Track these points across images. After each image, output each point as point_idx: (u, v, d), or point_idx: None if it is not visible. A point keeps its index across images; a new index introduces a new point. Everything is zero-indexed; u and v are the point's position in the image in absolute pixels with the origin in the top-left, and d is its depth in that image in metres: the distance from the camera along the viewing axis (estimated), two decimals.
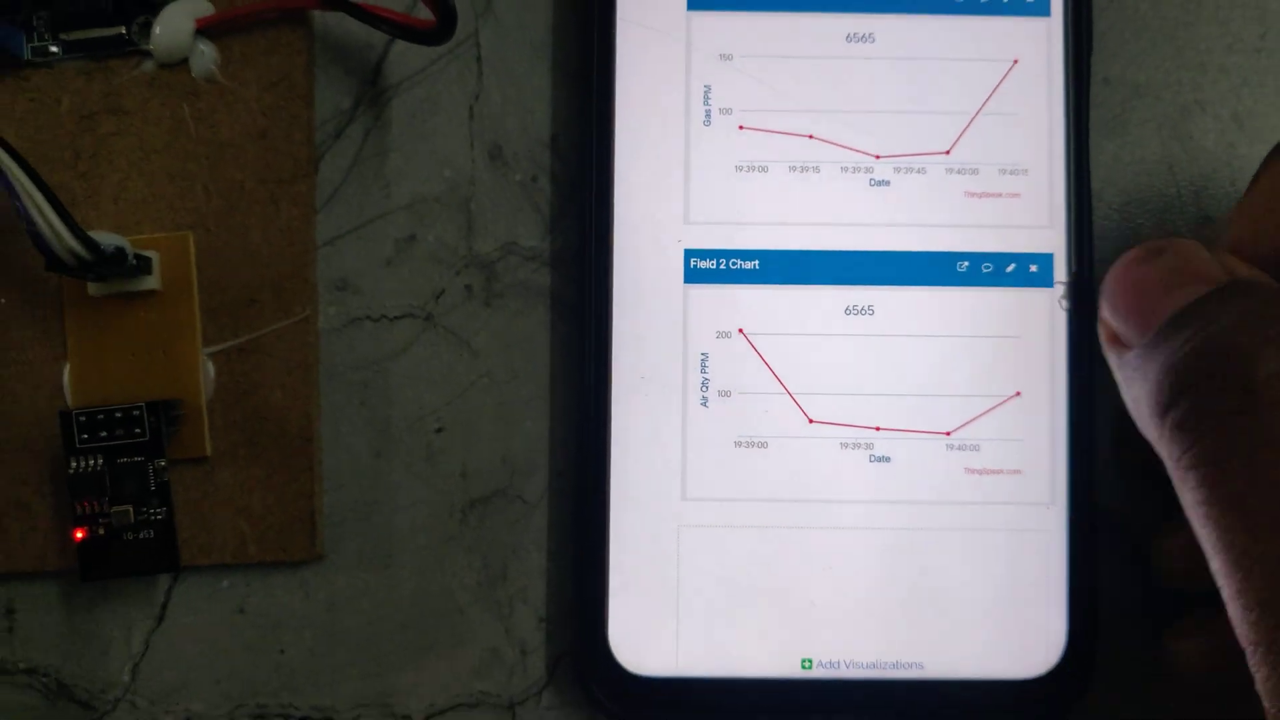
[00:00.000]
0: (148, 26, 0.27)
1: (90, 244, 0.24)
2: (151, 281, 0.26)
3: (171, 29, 0.27)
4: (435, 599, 0.27)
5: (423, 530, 0.27)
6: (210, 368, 0.27)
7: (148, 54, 0.27)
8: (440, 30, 0.24)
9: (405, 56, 0.28)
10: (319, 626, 0.27)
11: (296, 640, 0.27)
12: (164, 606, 0.27)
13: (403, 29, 0.25)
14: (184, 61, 0.27)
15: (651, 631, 0.25)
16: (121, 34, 0.27)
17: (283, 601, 0.27)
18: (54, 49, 0.27)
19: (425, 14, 0.25)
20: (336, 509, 0.27)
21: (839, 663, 0.25)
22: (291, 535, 0.27)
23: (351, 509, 0.27)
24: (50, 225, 0.24)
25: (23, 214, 0.24)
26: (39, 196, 0.24)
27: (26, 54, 0.27)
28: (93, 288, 0.26)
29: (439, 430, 0.27)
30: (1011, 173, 0.26)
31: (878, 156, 0.26)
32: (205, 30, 0.27)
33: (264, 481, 0.27)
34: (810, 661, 0.25)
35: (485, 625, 0.27)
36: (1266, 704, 0.17)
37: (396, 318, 0.27)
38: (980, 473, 0.26)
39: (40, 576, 0.27)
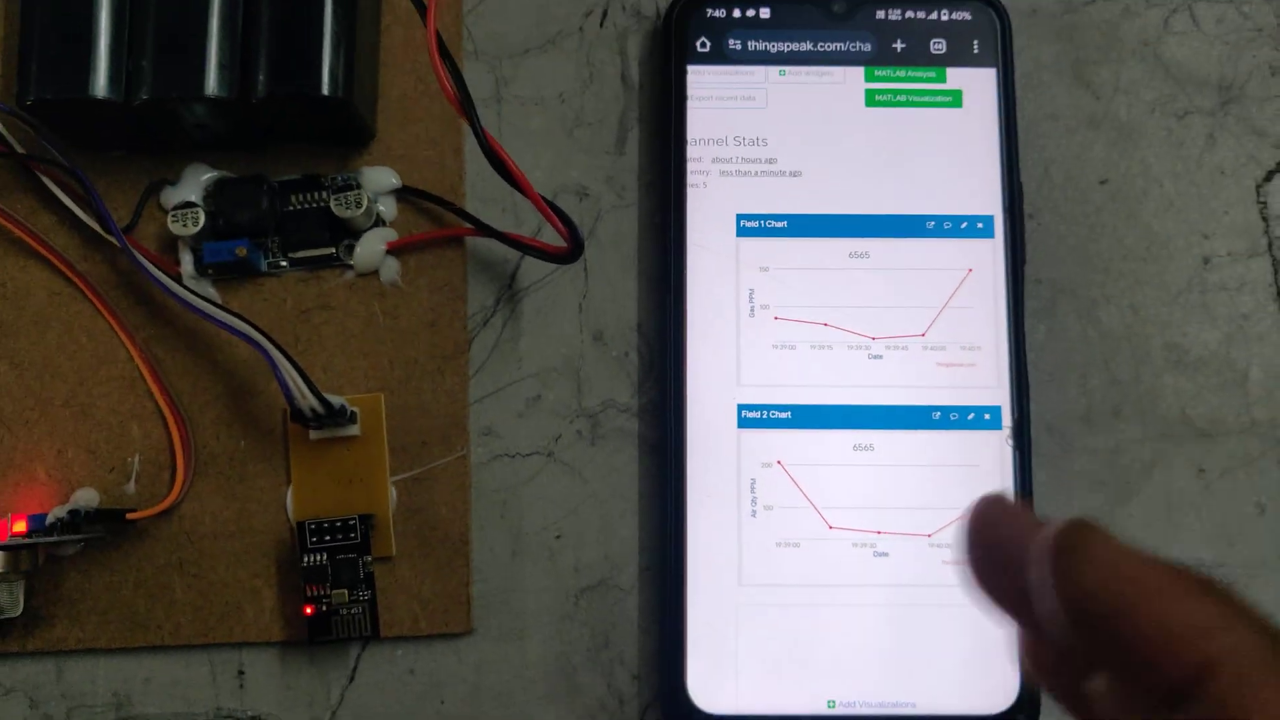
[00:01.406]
0: (351, 248, 0.38)
1: (325, 403, 0.35)
2: (354, 429, 0.37)
3: (369, 250, 0.38)
4: (555, 662, 0.37)
5: (546, 610, 0.37)
6: (394, 492, 0.37)
7: (349, 267, 0.38)
8: (572, 253, 0.35)
9: (532, 269, 0.39)
10: (469, 684, 0.37)
11: (452, 694, 0.37)
12: (354, 669, 0.37)
13: (543, 253, 0.36)
14: (375, 272, 0.38)
15: (719, 681, 0.35)
16: (332, 253, 0.38)
17: (443, 664, 0.37)
18: (283, 263, 0.38)
19: (557, 241, 0.36)
20: (483, 595, 0.37)
21: (854, 702, 0.35)
22: (451, 614, 0.37)
23: (494, 595, 0.37)
24: (300, 391, 0.35)
25: (281, 383, 0.34)
26: (293, 371, 0.34)
27: (264, 267, 0.38)
28: (313, 434, 0.37)
29: (558, 536, 0.38)
30: (969, 348, 0.37)
31: (873, 338, 0.37)
32: (392, 250, 0.38)
33: (431, 574, 0.37)
34: (834, 702, 0.35)
35: (593, 682, 0.37)
36: None
37: (527, 455, 0.38)
38: (952, 564, 0.36)
39: (265, 645, 0.37)
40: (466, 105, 0.32)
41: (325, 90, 0.35)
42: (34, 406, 0.37)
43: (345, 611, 0.35)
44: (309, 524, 0.35)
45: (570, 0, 0.40)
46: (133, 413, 0.37)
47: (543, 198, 0.33)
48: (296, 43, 0.35)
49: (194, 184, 0.38)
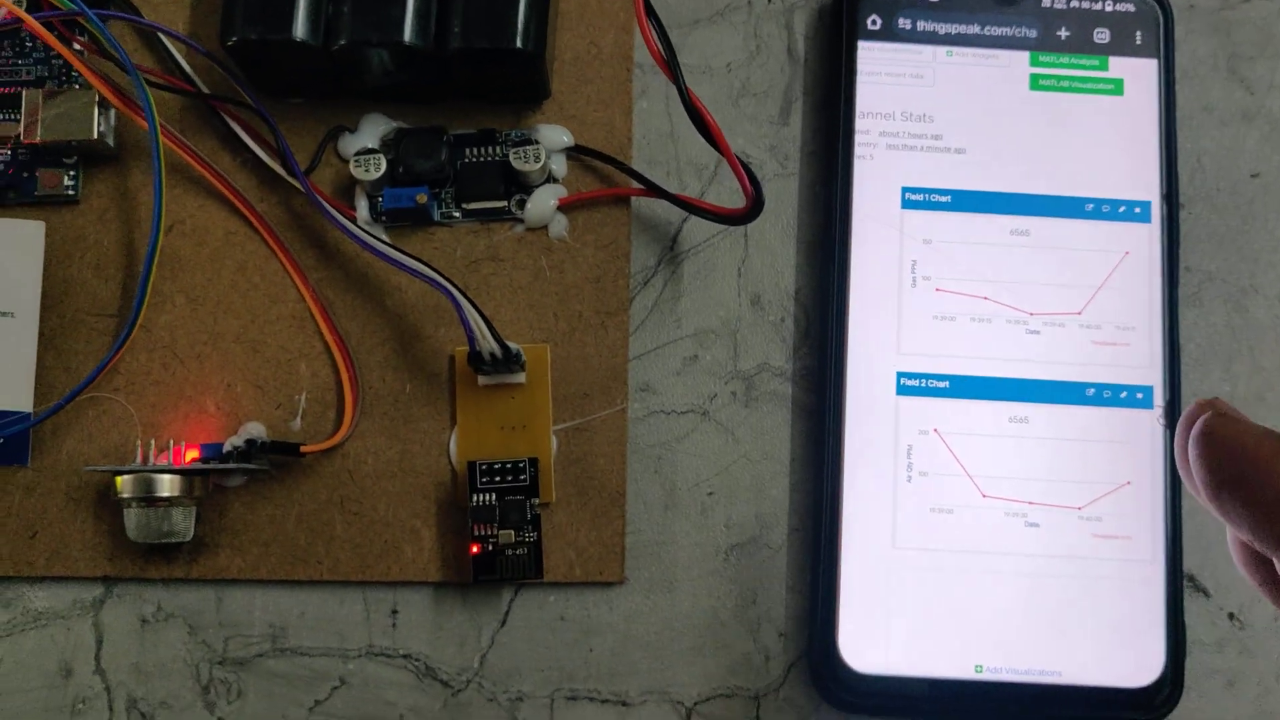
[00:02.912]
0: (523, 202, 0.39)
1: (505, 348, 0.36)
2: (521, 377, 0.38)
3: (540, 205, 0.39)
4: (704, 616, 0.38)
5: (696, 565, 0.38)
6: (554, 440, 0.38)
7: (520, 220, 0.39)
8: (750, 213, 0.36)
9: (693, 231, 0.40)
10: (619, 633, 0.38)
11: (601, 643, 0.38)
12: (506, 613, 0.38)
13: (717, 215, 0.37)
14: (544, 227, 0.39)
15: (870, 642, 0.36)
16: (504, 206, 0.39)
17: (593, 613, 0.38)
18: (456, 214, 0.39)
19: (723, 203, 0.37)
20: (635, 546, 0.38)
21: (1001, 669, 0.36)
22: (605, 563, 0.38)
23: (646, 547, 0.38)
24: (482, 333, 0.35)
25: (465, 325, 0.35)
26: (477, 315, 0.35)
27: (436, 217, 0.39)
28: (482, 380, 0.38)
29: (710, 494, 0.39)
30: (1124, 329, 0.38)
31: (1031, 314, 0.38)
32: (563, 206, 0.39)
33: (587, 523, 0.38)
34: (981, 667, 0.36)
35: (740, 637, 0.38)
36: None
37: (682, 412, 0.39)
38: (1102, 537, 0.37)
39: (420, 585, 0.38)
40: (672, 65, 0.33)
41: (519, 44, 0.36)
42: (206, 341, 0.38)
43: (510, 552, 0.36)
44: (479, 464, 0.36)
45: None
46: (301, 351, 0.38)
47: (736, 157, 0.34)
48: None
49: (372, 132, 0.39)
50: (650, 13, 0.33)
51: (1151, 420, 0.37)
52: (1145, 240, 0.38)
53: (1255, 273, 0.39)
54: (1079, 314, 0.37)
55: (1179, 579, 0.36)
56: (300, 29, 0.36)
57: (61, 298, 0.38)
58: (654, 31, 0.33)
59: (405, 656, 0.37)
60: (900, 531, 0.36)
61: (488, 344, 0.35)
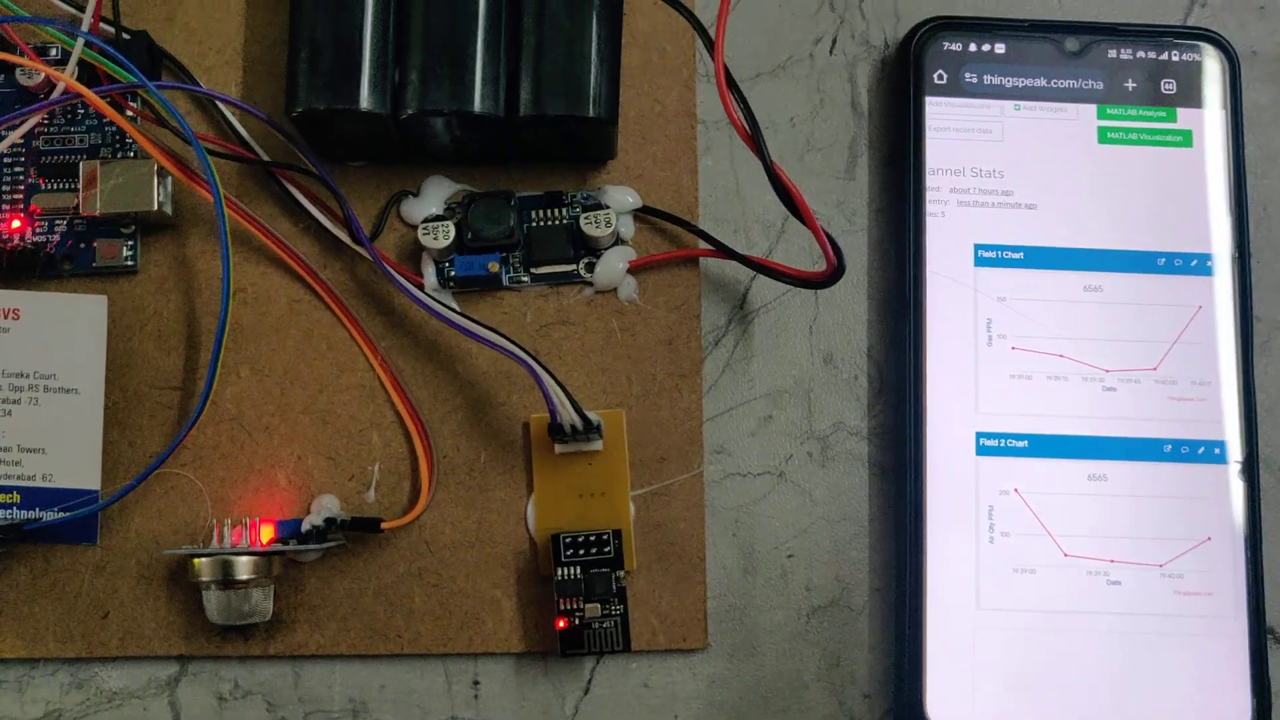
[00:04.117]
0: (592, 266, 0.39)
1: (585, 419, 0.36)
2: (598, 444, 0.38)
3: (609, 268, 0.39)
4: (788, 679, 0.38)
5: (778, 629, 0.38)
6: (633, 507, 0.38)
7: (588, 283, 0.39)
8: (832, 278, 0.36)
9: (762, 290, 0.40)
10: (703, 699, 0.38)
11: (686, 709, 0.38)
12: (589, 681, 0.38)
13: (797, 279, 0.37)
14: (614, 289, 0.39)
15: (957, 703, 0.36)
16: (574, 270, 0.39)
17: (677, 680, 0.38)
18: (524, 279, 0.39)
19: (789, 262, 0.37)
20: (716, 611, 0.38)
21: None
22: (688, 629, 0.38)
23: (727, 612, 0.38)
24: (564, 405, 0.35)
25: (546, 398, 0.35)
26: (557, 387, 0.35)
27: (505, 281, 0.39)
28: (558, 448, 0.37)
29: (790, 556, 0.38)
30: (1199, 383, 0.38)
31: (1107, 370, 0.38)
32: (631, 269, 0.39)
33: (669, 589, 0.38)
34: None
35: (824, 700, 0.38)
36: None
37: (758, 474, 0.39)
38: (1185, 594, 0.37)
39: (502, 656, 0.38)
40: (755, 135, 0.33)
41: (591, 111, 0.35)
42: (275, 412, 0.38)
43: (598, 625, 0.35)
44: (563, 537, 0.36)
45: (800, 27, 0.40)
46: (372, 421, 0.38)
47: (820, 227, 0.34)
48: (563, 62, 0.35)
49: (436, 197, 0.38)
50: (732, 85, 0.33)
51: (1229, 475, 0.37)
52: (1217, 293, 0.38)
53: None
54: (1154, 370, 0.37)
55: (1263, 633, 0.36)
56: (366, 99, 0.35)
57: (124, 371, 0.38)
58: (735, 103, 0.33)
59: None
60: (984, 592, 0.36)
61: (569, 415, 0.35)
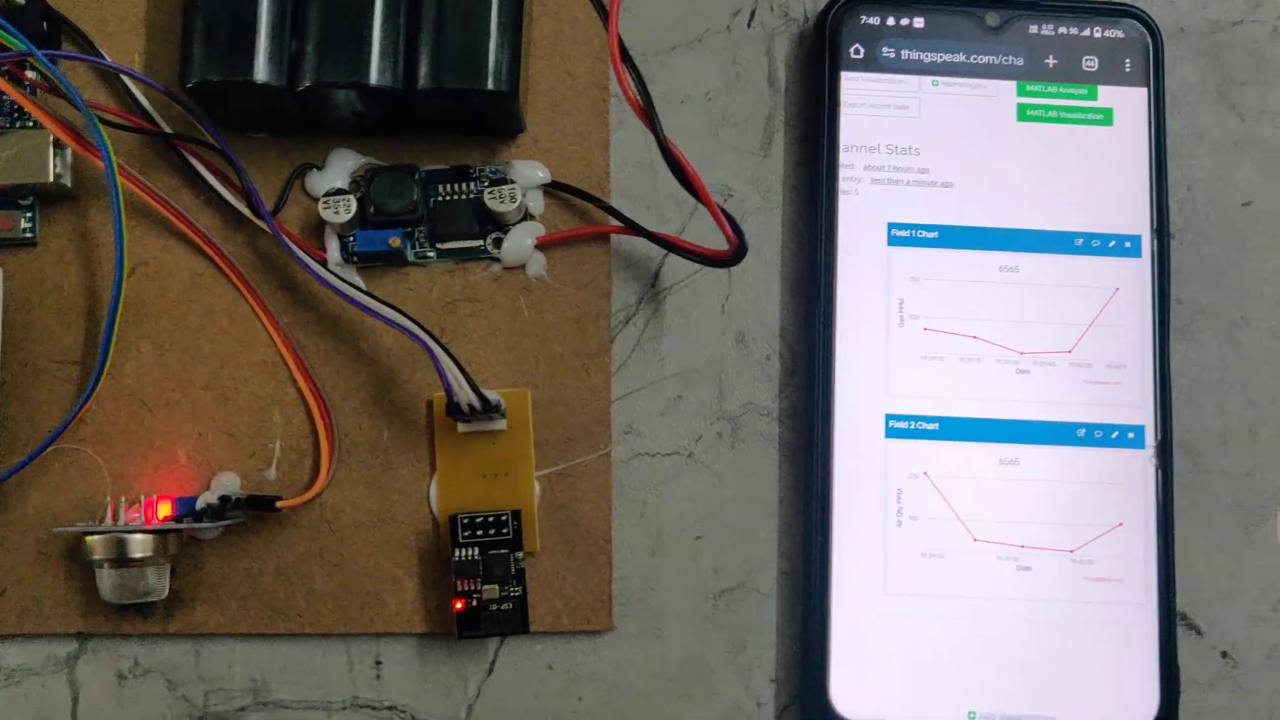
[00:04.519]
0: (499, 241, 0.38)
1: (483, 398, 0.35)
2: (502, 424, 0.37)
3: (517, 244, 0.38)
4: (694, 663, 0.37)
5: (685, 611, 0.38)
6: (538, 487, 0.37)
7: (497, 260, 0.38)
8: (734, 257, 0.35)
9: (675, 268, 0.39)
10: (608, 681, 0.37)
11: (591, 691, 0.37)
12: (493, 663, 0.37)
13: (701, 257, 0.36)
14: (522, 266, 0.38)
15: (862, 688, 0.36)
16: (481, 245, 0.38)
17: (581, 661, 0.37)
18: (430, 254, 0.38)
19: (706, 241, 0.36)
20: (622, 593, 0.38)
21: (994, 714, 0.36)
22: (593, 611, 0.37)
23: (634, 594, 0.38)
24: (460, 386, 0.35)
25: (442, 377, 0.34)
26: (454, 367, 0.34)
27: (410, 257, 0.38)
28: (461, 427, 0.37)
29: (698, 538, 0.38)
30: (1115, 367, 0.37)
31: (1021, 353, 0.37)
32: (540, 245, 0.38)
33: (573, 571, 0.37)
34: (974, 713, 0.36)
35: (730, 684, 0.37)
36: None
37: (667, 454, 0.38)
38: (1095, 580, 0.36)
39: (404, 636, 0.37)
40: (650, 111, 0.32)
41: (490, 85, 0.35)
42: (175, 388, 0.37)
43: (495, 607, 0.35)
44: (461, 518, 0.35)
45: None
46: (274, 398, 0.37)
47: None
48: (462, 35, 0.35)
49: (340, 170, 0.38)
50: (625, 57, 0.32)
51: (1143, 460, 0.36)
52: (1136, 275, 0.37)
53: (1246, 305, 0.38)
54: (1069, 353, 0.37)
55: (1172, 618, 0.36)
56: (262, 71, 0.34)
57: (21, 344, 0.37)
58: (630, 76, 0.32)
59: (391, 708, 0.37)
60: (891, 576, 0.36)
61: (466, 395, 0.34)
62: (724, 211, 0.34)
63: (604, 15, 0.33)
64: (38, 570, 0.36)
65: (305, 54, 0.35)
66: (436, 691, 0.37)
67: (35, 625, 0.36)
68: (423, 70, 0.35)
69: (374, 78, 0.35)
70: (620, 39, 0.32)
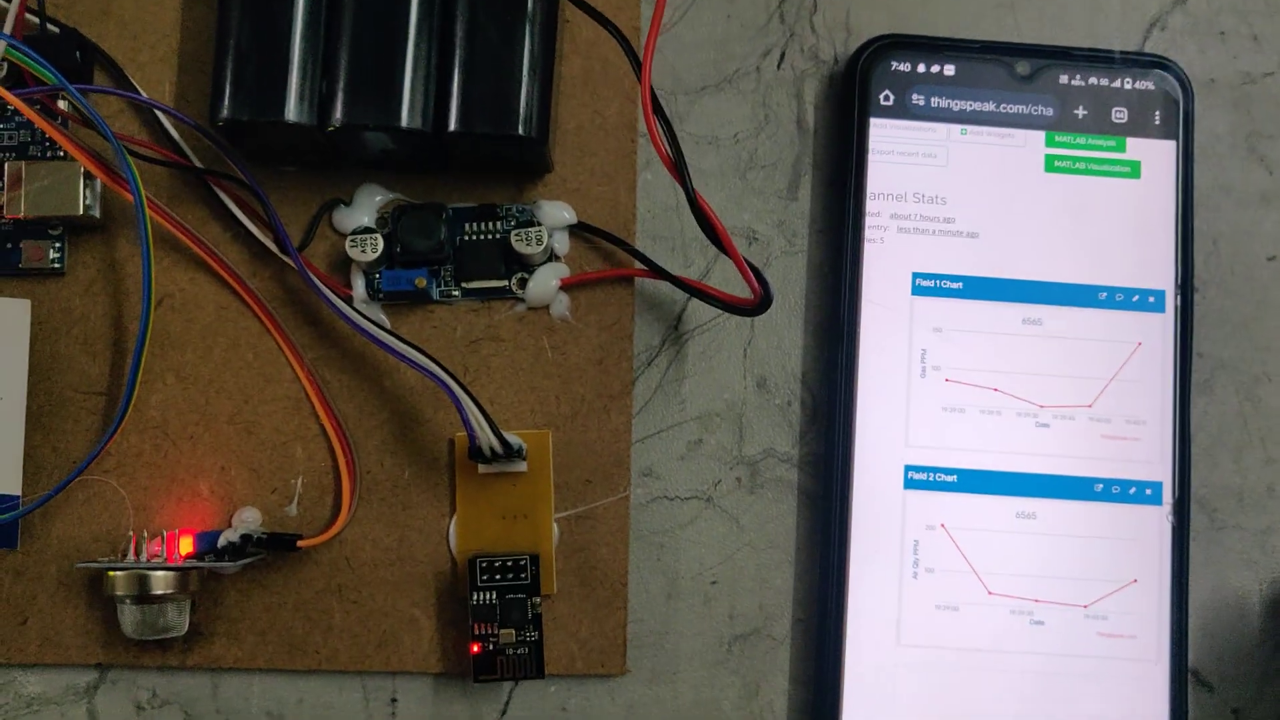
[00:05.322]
0: (524, 282, 0.38)
1: (505, 442, 0.35)
2: (522, 466, 0.37)
3: (542, 285, 0.38)
4: (706, 708, 0.38)
5: (699, 656, 0.38)
6: (557, 529, 0.37)
7: (521, 300, 0.38)
8: (758, 307, 0.35)
9: (698, 311, 0.39)
10: None
11: None
12: (506, 703, 0.38)
13: (726, 304, 0.36)
14: (546, 307, 0.38)
15: None
16: (505, 285, 0.38)
17: (595, 704, 0.38)
18: (455, 293, 0.38)
19: (730, 287, 0.36)
20: (637, 636, 0.38)
21: None
22: (607, 655, 0.37)
23: (648, 637, 0.38)
24: (481, 429, 0.35)
25: (464, 420, 0.34)
26: (476, 410, 0.35)
27: (435, 295, 0.38)
28: (482, 468, 0.37)
29: (713, 583, 0.38)
30: (1134, 422, 0.37)
31: (1042, 406, 0.37)
32: (564, 286, 0.38)
33: (589, 614, 0.37)
34: None
35: None
36: None
37: (686, 498, 0.38)
38: (1107, 635, 0.37)
39: (420, 676, 0.38)
40: (679, 164, 0.32)
41: (520, 130, 0.35)
42: (198, 421, 0.37)
43: (511, 651, 0.35)
44: (480, 561, 0.35)
45: (748, 40, 0.39)
46: (297, 434, 0.37)
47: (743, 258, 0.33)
48: (493, 78, 0.35)
49: (368, 205, 0.38)
50: (658, 109, 0.32)
51: (1160, 517, 0.37)
52: (1158, 330, 0.37)
53: (1268, 360, 0.38)
54: (1089, 407, 0.37)
55: (1183, 675, 0.36)
56: (292, 111, 0.34)
57: (48, 374, 0.37)
58: (660, 129, 0.32)
59: None
60: (905, 628, 0.36)
61: (488, 439, 0.34)
62: (749, 263, 0.34)
63: (637, 66, 0.32)
64: (59, 601, 0.37)
65: (336, 94, 0.35)
66: None
67: (55, 655, 0.37)
68: (453, 113, 0.35)
69: (404, 120, 0.35)
70: (652, 89, 0.32)
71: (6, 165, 0.37)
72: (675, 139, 0.32)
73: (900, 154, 0.38)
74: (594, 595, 0.37)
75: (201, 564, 0.35)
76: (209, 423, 0.37)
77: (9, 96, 0.34)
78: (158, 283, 0.37)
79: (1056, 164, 0.38)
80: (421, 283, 0.36)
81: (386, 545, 0.37)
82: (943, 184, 0.38)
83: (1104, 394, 0.37)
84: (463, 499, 0.37)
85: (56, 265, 0.38)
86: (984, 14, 0.39)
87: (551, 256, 0.38)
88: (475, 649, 0.35)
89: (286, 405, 0.37)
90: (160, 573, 0.35)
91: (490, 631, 0.35)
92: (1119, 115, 0.38)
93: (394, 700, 0.37)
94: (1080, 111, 0.38)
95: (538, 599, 0.35)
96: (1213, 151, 0.39)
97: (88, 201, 0.37)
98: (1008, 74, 0.38)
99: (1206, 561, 0.38)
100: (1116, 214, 0.38)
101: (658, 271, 0.37)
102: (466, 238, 0.37)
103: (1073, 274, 0.37)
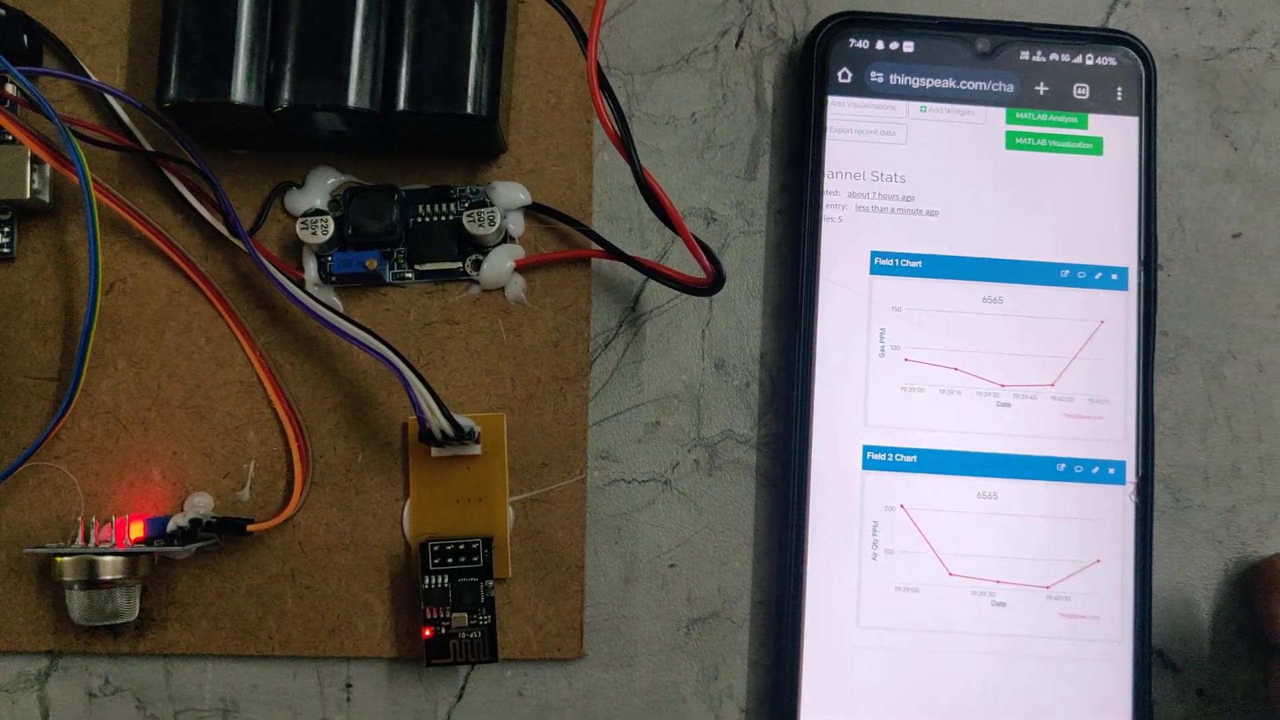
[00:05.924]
0: (478, 263, 0.38)
1: (456, 425, 0.35)
2: (476, 449, 0.37)
3: (497, 267, 0.37)
4: (664, 691, 0.37)
5: (657, 639, 0.37)
6: (512, 513, 0.37)
7: (475, 281, 0.38)
8: (711, 287, 0.35)
9: (655, 292, 0.38)
10: (578, 709, 0.37)
11: (561, 718, 0.37)
12: (463, 688, 0.37)
13: (680, 284, 0.36)
14: (501, 289, 0.38)
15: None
16: (459, 267, 0.38)
17: (551, 689, 0.37)
18: (409, 275, 0.38)
19: (687, 267, 0.36)
20: (594, 620, 0.37)
21: None
22: (563, 639, 0.37)
23: (605, 621, 0.37)
24: (432, 411, 0.34)
25: (414, 403, 0.34)
26: (426, 393, 0.34)
27: (388, 278, 0.38)
28: (435, 452, 0.37)
29: (671, 565, 0.38)
30: (1097, 401, 0.37)
31: (1003, 385, 0.37)
32: (520, 268, 0.38)
33: (545, 598, 0.37)
34: None
35: (701, 713, 0.37)
36: None
37: (644, 481, 0.38)
38: (1071, 616, 0.36)
39: (375, 661, 0.37)
40: (626, 142, 0.32)
41: (469, 109, 0.34)
42: (150, 406, 0.37)
43: (464, 635, 0.35)
44: (431, 545, 0.35)
45: (706, 19, 0.39)
46: (249, 418, 0.37)
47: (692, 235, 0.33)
48: (442, 57, 0.34)
49: (320, 188, 0.37)
50: (604, 85, 0.32)
51: (1123, 496, 0.36)
52: (1122, 308, 0.37)
53: (1233, 338, 0.38)
54: (1051, 386, 0.36)
55: (1147, 656, 0.36)
56: (239, 91, 0.34)
57: None
58: (608, 105, 0.32)
59: None
60: (865, 610, 0.36)
61: (438, 422, 0.34)
62: (701, 242, 0.33)
63: (583, 41, 0.32)
64: (9, 587, 0.36)
65: (283, 75, 0.34)
66: (406, 716, 0.37)
67: (6, 642, 0.36)
68: (402, 93, 0.34)
69: (352, 100, 0.34)
70: (600, 66, 0.31)
71: None
72: (623, 117, 0.32)
73: (859, 132, 0.37)
74: (550, 579, 0.36)
75: (151, 549, 0.35)
76: (161, 407, 0.37)
77: None
78: (109, 267, 0.37)
79: (1018, 141, 0.37)
80: (373, 264, 0.36)
81: (340, 530, 0.37)
82: (902, 162, 0.37)
83: (1066, 373, 0.36)
84: (416, 483, 0.36)
85: (5, 250, 0.37)
86: None
87: (506, 238, 0.37)
88: (428, 633, 0.35)
89: (239, 389, 0.37)
90: (109, 558, 0.34)
91: (442, 615, 0.35)
92: (1080, 91, 0.38)
93: (349, 685, 0.37)
94: (1041, 88, 0.38)
95: (490, 582, 0.35)
96: (1177, 128, 0.39)
97: (35, 186, 0.36)
98: (968, 50, 0.38)
99: (1171, 541, 0.37)
100: (1079, 191, 0.37)
101: (614, 252, 0.36)
102: (419, 220, 0.37)
103: (1034, 252, 0.37)
